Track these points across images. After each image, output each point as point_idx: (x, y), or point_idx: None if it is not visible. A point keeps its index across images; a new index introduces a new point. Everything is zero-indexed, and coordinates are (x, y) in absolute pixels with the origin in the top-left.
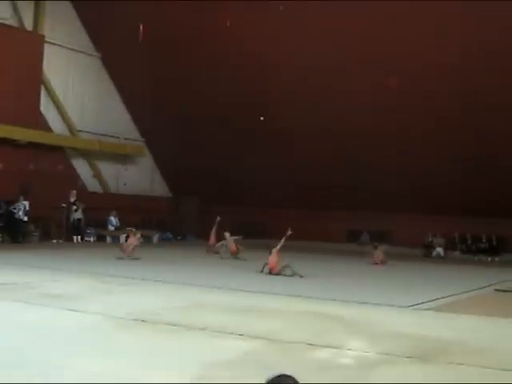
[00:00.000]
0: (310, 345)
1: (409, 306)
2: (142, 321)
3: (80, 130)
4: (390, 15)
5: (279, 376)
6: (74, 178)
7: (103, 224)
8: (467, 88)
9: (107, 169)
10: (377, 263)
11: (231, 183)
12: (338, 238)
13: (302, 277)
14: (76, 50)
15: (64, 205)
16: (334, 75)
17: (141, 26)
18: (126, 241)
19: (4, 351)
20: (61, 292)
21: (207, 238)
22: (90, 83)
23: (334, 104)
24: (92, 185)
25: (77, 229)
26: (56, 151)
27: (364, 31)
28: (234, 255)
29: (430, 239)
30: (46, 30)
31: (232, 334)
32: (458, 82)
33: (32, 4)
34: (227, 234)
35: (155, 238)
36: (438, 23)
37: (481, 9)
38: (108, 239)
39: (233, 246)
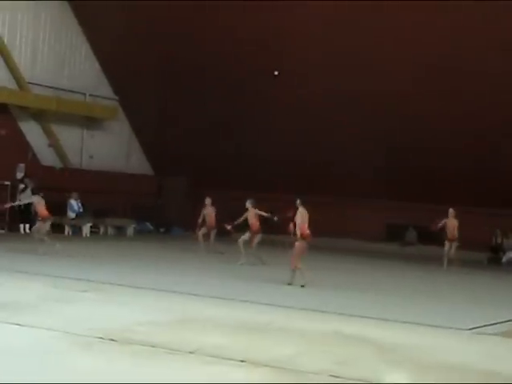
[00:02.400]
0: (334, 377)
1: (469, 329)
2: (111, 340)
3: (31, 83)
4: None
5: None
6: (22, 147)
7: (61, 209)
8: None
9: (68, 136)
10: None
11: (231, 159)
12: (373, 235)
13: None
14: None
15: (8, 183)
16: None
17: None
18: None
19: None
20: (1, 300)
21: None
22: (46, 20)
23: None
24: (47, 157)
25: (25, 215)
26: None
27: None
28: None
29: (498, 240)
30: None
31: (230, 359)
32: None
33: None
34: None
35: (130, 230)
36: None
37: None
38: (66, 230)
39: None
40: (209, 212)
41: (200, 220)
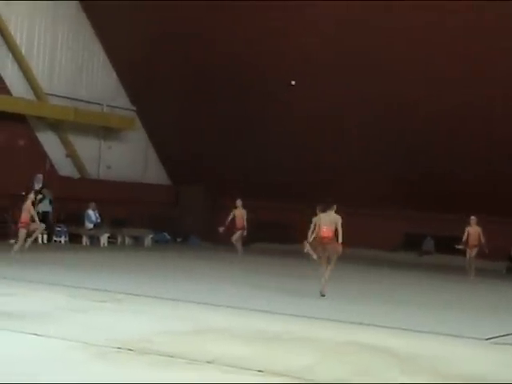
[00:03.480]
0: None
1: (487, 339)
2: (128, 350)
3: (49, 94)
4: None
5: None
6: (40, 157)
7: (78, 220)
8: None
9: (85, 146)
10: None
11: (248, 169)
12: (390, 244)
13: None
14: None
15: (23, 193)
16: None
17: None
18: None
19: None
20: (19, 310)
21: (215, 240)
22: (64, 32)
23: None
24: (65, 167)
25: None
26: (16, 121)
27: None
28: None
29: None
30: None
31: (248, 369)
32: None
33: None
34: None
35: (148, 240)
36: None
37: None
38: (84, 240)
39: None
40: (238, 214)
41: (228, 220)
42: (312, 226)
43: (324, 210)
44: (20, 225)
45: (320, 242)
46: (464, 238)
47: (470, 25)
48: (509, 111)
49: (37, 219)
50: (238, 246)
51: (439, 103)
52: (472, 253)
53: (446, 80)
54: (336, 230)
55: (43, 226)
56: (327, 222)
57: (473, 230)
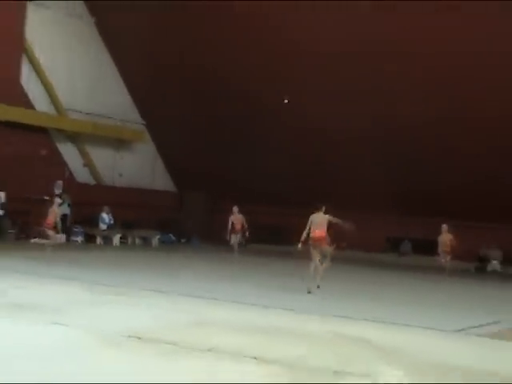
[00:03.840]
0: (337, 373)
1: (457, 331)
2: (138, 338)
3: (69, 109)
4: None
5: None
6: (60, 165)
7: (93, 222)
8: None
9: (100, 156)
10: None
11: (245, 177)
12: (372, 246)
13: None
14: (66, 14)
15: (47, 197)
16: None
17: None
18: None
19: None
20: (37, 302)
21: (214, 241)
22: (82, 53)
23: (373, 91)
24: (82, 175)
25: (62, 226)
26: (39, 133)
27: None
28: None
29: (484, 251)
30: None
31: (244, 357)
32: None
33: None
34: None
35: (155, 240)
36: None
37: None
38: (98, 240)
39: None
40: (235, 219)
41: (229, 226)
42: (307, 225)
43: (316, 211)
44: (46, 226)
45: (312, 243)
46: (439, 247)
47: (482, 50)
48: (479, 123)
49: (59, 228)
50: (235, 246)
51: (420, 116)
52: (446, 258)
53: (428, 92)
54: (328, 230)
55: (59, 237)
56: (318, 224)
57: (443, 239)
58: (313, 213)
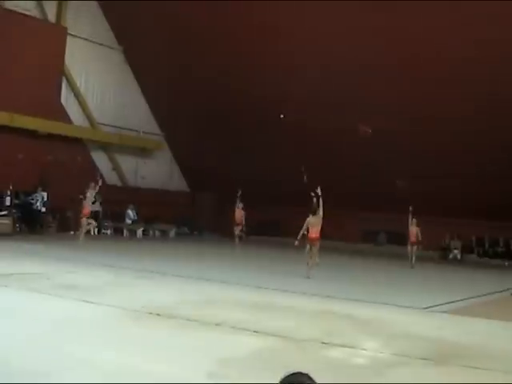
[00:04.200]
0: (325, 343)
1: (424, 308)
2: (158, 314)
3: (100, 123)
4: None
5: (294, 374)
6: (93, 170)
7: (120, 217)
8: None
9: (126, 162)
10: None
11: (250, 179)
12: (352, 237)
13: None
14: (98, 43)
15: (81, 196)
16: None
17: None
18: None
19: (19, 342)
20: (76, 283)
21: (222, 233)
22: (111, 76)
23: (354, 104)
24: (111, 178)
25: (94, 221)
26: (76, 143)
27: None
28: None
29: (446, 242)
30: (69, 23)
31: (247, 330)
32: None
33: None
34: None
35: (172, 233)
36: None
37: None
38: (125, 232)
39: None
40: (238, 214)
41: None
42: (305, 226)
43: (313, 213)
44: (82, 214)
45: (309, 242)
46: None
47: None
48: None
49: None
50: (236, 238)
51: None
52: (412, 247)
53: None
54: (321, 230)
55: (95, 223)
56: (314, 225)
57: (411, 230)
58: (312, 214)
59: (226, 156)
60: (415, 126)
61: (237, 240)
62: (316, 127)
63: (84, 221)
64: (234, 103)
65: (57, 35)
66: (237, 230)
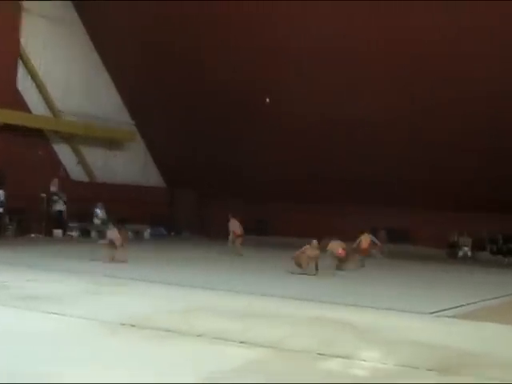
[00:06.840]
0: (320, 354)
1: (430, 313)
2: (132, 326)
3: (62, 111)
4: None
5: None
6: (55, 164)
7: (88, 217)
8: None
9: (93, 155)
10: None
11: (230, 174)
12: (351, 236)
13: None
14: (59, 21)
15: (44, 195)
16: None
17: None
18: None
19: None
20: (40, 293)
21: (204, 234)
22: (75, 59)
23: (345, 92)
24: (76, 173)
25: (58, 222)
26: (35, 135)
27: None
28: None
29: (455, 238)
30: None
31: (233, 341)
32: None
33: None
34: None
35: (146, 233)
36: None
37: None
38: (93, 234)
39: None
40: (232, 225)
41: (230, 234)
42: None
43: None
44: None
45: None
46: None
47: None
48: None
49: None
50: (238, 248)
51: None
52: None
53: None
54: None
55: None
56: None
57: (365, 240)
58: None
59: (208, 147)
60: (413, 117)
61: (239, 249)
62: (306, 115)
63: None
64: (215, 87)
65: (10, 12)
66: (237, 242)
